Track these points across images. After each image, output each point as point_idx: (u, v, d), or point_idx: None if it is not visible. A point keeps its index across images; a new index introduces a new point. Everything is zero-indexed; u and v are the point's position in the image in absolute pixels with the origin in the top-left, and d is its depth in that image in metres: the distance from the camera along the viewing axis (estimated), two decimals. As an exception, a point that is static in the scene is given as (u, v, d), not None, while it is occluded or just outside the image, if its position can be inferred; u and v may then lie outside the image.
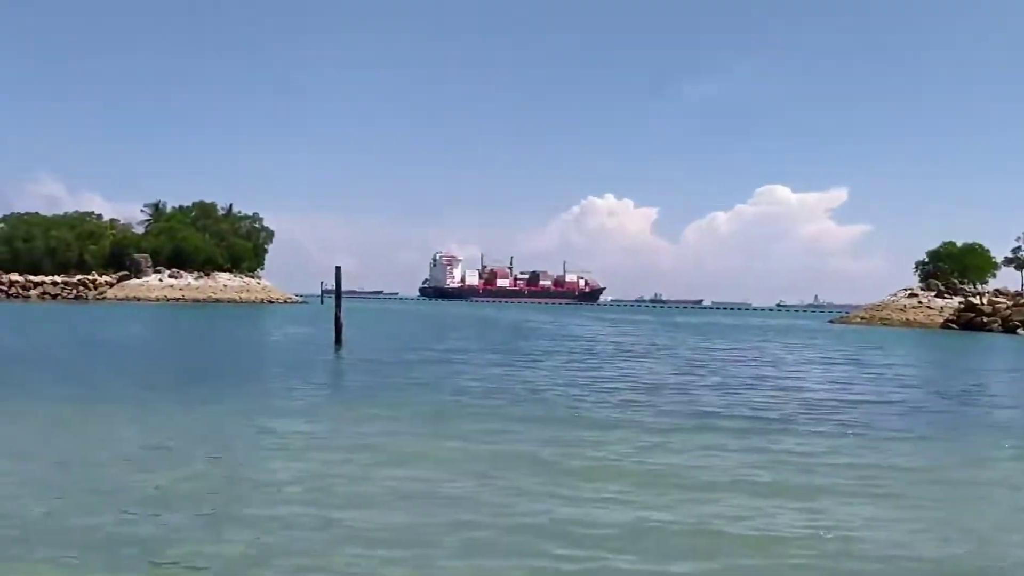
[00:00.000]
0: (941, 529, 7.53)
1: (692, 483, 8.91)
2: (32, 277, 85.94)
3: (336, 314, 28.96)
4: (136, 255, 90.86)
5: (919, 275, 78.00)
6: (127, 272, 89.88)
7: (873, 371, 24.36)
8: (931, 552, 6.83)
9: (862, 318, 72.73)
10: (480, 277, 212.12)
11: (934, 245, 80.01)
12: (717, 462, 10.05)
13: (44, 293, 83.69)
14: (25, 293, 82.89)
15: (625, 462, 9.88)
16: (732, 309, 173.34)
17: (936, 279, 72.78)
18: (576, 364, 23.99)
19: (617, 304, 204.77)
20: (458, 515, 7.37)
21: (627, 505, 7.93)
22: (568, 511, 7.60)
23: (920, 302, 68.91)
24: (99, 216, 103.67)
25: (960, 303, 65.21)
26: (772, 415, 14.13)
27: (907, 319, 66.88)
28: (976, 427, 14.19)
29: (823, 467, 9.86)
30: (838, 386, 19.81)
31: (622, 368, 23.10)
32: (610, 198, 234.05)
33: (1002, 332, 55.90)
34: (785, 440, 11.67)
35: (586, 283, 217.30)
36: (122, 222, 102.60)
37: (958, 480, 9.74)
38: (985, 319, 59.33)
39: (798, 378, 21.68)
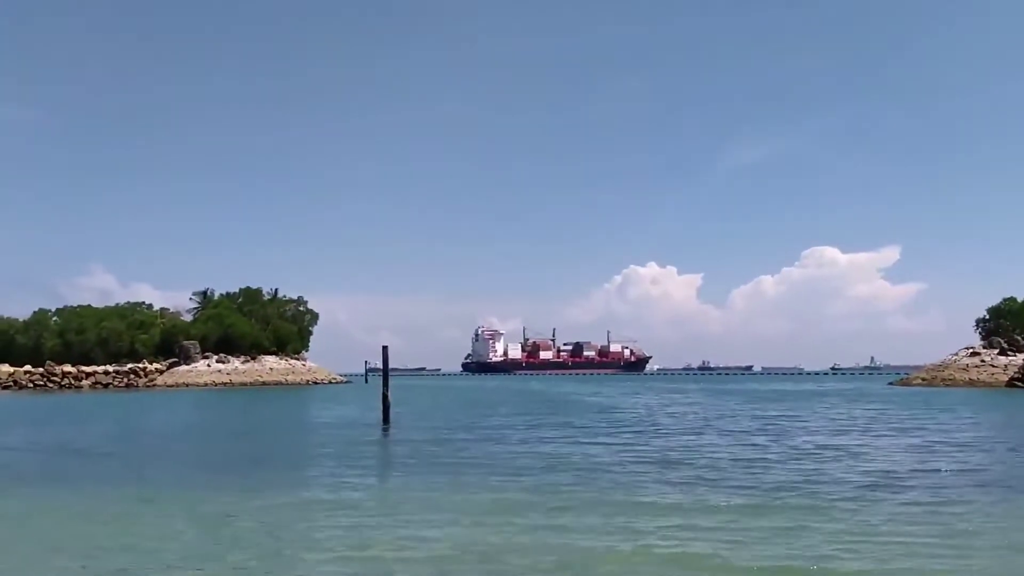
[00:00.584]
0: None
1: (769, 570, 8.27)
2: (84, 368, 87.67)
3: (384, 393, 28.64)
4: (185, 342, 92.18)
5: (980, 333, 75.44)
6: (176, 359, 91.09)
7: (945, 435, 23.13)
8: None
9: (923, 379, 70.42)
10: (523, 350, 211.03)
11: (992, 301, 77.71)
12: (793, 546, 9.29)
13: (96, 383, 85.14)
14: (77, 383, 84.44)
15: (693, 548, 9.23)
16: (784, 374, 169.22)
17: (998, 336, 70.26)
18: (630, 439, 23.10)
19: (664, 373, 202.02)
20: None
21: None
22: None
23: (983, 360, 66.61)
24: (149, 305, 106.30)
25: (1024, 360, 62.96)
26: (847, 489, 13.31)
27: (970, 379, 64.67)
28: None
29: (912, 545, 9.21)
30: (913, 453, 18.83)
31: (679, 441, 22.17)
32: (653, 266, 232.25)
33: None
34: (866, 515, 10.96)
35: (631, 352, 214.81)
36: (171, 310, 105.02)
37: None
38: (1052, 375, 57.06)
39: (868, 446, 20.63)
